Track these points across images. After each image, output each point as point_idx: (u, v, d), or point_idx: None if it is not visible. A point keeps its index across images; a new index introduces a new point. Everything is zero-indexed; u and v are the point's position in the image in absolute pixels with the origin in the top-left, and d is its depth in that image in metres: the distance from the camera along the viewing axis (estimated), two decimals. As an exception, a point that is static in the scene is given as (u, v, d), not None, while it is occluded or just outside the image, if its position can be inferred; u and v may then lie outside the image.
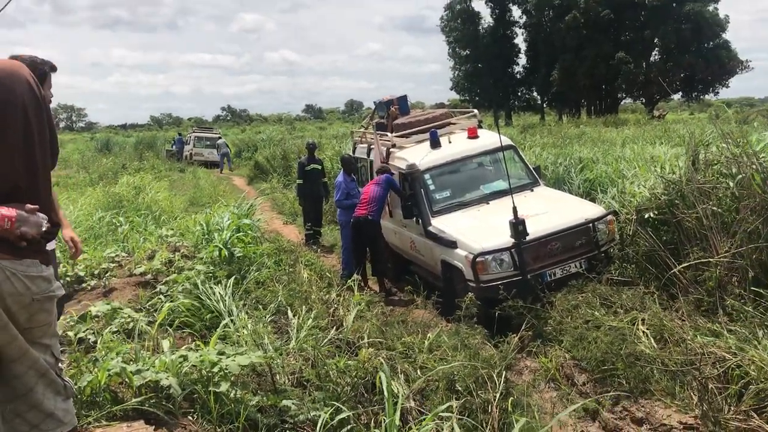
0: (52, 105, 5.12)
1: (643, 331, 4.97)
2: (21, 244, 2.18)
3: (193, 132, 39.59)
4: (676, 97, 52.21)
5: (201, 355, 3.64)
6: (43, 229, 2.23)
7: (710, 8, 45.16)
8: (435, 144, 8.42)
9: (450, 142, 8.53)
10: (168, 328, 4.91)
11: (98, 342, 4.26)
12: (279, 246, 8.57)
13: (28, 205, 2.21)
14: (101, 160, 26.01)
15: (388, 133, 9.35)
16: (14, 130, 2.23)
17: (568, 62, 47.59)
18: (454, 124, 9.36)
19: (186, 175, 24.84)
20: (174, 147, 37.88)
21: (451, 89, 60.93)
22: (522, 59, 58.68)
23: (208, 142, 36.09)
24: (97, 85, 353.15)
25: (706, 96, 49.99)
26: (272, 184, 20.41)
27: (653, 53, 49.05)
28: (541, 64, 52.31)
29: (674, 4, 44.71)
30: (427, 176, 8.11)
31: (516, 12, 57.30)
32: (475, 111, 10.06)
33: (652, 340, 4.87)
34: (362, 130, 11.26)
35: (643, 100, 50.30)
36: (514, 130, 26.19)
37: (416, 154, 8.40)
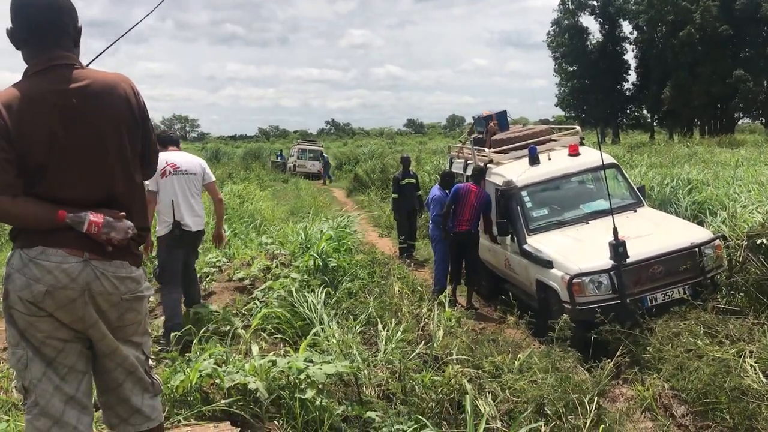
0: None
1: (751, 365, 4.63)
2: (108, 248, 2.33)
3: (298, 144, 41.10)
4: (801, 116, 48.95)
5: (289, 362, 3.72)
6: (129, 234, 2.37)
7: (842, 22, 42.15)
8: (534, 161, 8.24)
9: (549, 159, 8.32)
10: (262, 333, 5.06)
11: (194, 343, 4.44)
12: (373, 258, 8.65)
13: (116, 212, 2.37)
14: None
15: (486, 149, 9.26)
16: (108, 142, 2.39)
17: (682, 79, 45.60)
18: (554, 140, 9.14)
19: (288, 186, 25.63)
20: (279, 159, 39.83)
21: (557, 105, 59.87)
22: (632, 76, 56.87)
23: (311, 155, 37.28)
24: (212, 97, 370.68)
25: (836, 116, 46.58)
26: (370, 196, 20.68)
27: (776, 71, 46.21)
28: (652, 81, 50.40)
29: (800, 19, 42.02)
30: (524, 193, 7.95)
31: (626, 27, 55.68)
32: (577, 128, 9.78)
33: (761, 375, 4.53)
34: (459, 145, 11.20)
35: (763, 120, 47.47)
36: (621, 149, 25.35)
37: (514, 171, 8.26)
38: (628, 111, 58.58)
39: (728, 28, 44.10)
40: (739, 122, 52.04)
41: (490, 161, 8.90)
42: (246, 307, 5.85)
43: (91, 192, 2.36)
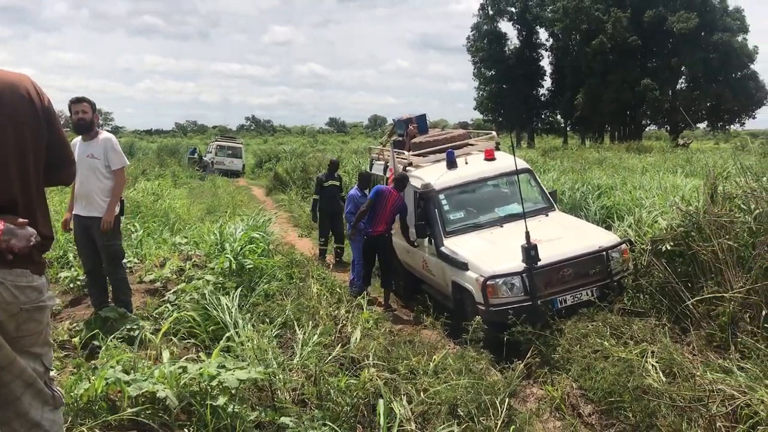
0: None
1: (652, 364, 4.86)
2: (8, 256, 2.20)
3: (216, 141, 39.90)
4: (702, 126, 51.87)
5: (200, 368, 3.63)
6: (32, 242, 2.24)
7: (739, 38, 45.04)
8: (451, 164, 8.39)
9: (466, 163, 8.49)
10: (173, 337, 4.91)
11: (102, 349, 4.27)
12: (291, 259, 8.56)
13: (19, 219, 2.24)
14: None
15: (405, 152, 9.34)
16: (7, 143, 2.26)
17: (594, 87, 47.52)
18: (472, 145, 9.32)
19: (205, 184, 25.04)
20: (194, 155, 38.32)
21: (475, 109, 61.12)
22: (547, 82, 58.80)
23: (230, 152, 36.41)
24: (128, 90, 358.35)
25: (732, 126, 49.67)
26: (290, 196, 20.48)
27: (680, 81, 48.87)
28: (566, 88, 52.29)
29: (703, 33, 44.54)
30: (441, 196, 8.07)
31: (543, 34, 57.54)
32: (494, 132, 10.01)
33: (661, 374, 4.76)
34: (380, 147, 11.26)
35: (668, 128, 50.03)
36: (535, 153, 26.14)
37: (432, 174, 8.37)
38: (543, 116, 60.55)
39: (637, 39, 46.24)
40: (647, 129, 54.61)
41: (410, 164, 8.98)
42: (157, 311, 5.67)
43: None
